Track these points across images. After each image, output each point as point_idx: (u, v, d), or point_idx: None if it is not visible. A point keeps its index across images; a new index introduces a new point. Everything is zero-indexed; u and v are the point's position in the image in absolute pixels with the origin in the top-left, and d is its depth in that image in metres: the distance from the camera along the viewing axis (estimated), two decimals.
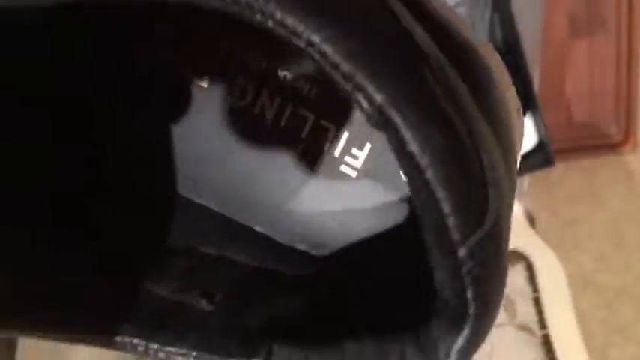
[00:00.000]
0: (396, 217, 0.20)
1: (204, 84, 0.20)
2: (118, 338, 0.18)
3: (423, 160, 0.13)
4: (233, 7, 0.13)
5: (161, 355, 0.18)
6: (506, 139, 0.17)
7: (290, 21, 0.13)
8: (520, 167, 0.64)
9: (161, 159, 0.21)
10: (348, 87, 0.13)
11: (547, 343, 0.71)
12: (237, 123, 0.20)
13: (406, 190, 0.17)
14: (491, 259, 0.14)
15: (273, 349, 0.17)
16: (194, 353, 0.17)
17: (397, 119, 0.13)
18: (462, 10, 0.65)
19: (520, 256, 0.76)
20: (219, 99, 0.20)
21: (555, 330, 0.71)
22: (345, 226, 0.20)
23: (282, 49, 0.18)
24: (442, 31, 0.16)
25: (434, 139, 0.13)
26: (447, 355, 0.15)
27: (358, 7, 0.14)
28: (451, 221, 0.14)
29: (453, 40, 0.16)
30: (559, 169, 0.71)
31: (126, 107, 0.21)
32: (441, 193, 0.13)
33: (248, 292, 0.19)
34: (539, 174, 0.72)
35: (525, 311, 0.73)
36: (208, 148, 0.20)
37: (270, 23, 0.13)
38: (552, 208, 0.85)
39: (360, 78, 0.13)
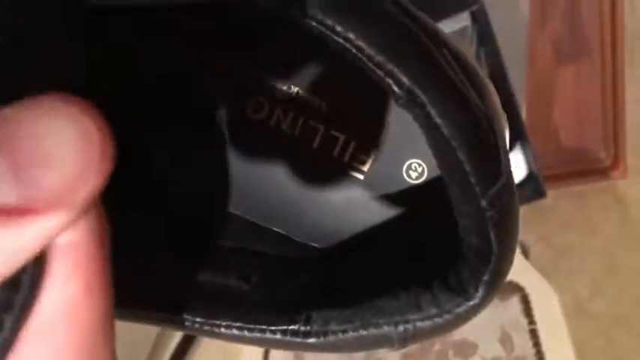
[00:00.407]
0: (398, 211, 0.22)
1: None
2: (182, 316, 0.20)
3: (446, 130, 0.17)
4: (286, 9, 0.16)
5: (216, 330, 0.20)
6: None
7: (330, 22, 0.16)
8: None
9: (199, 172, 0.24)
10: (381, 74, 0.16)
11: None
12: (256, 135, 0.23)
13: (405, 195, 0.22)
14: (507, 206, 0.18)
15: (311, 315, 0.19)
16: (248, 326, 0.20)
17: (423, 98, 0.17)
18: None
19: (515, 288, 0.76)
20: (235, 114, 0.22)
21: None
22: (352, 225, 0.22)
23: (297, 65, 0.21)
24: (453, 49, 0.19)
25: (453, 113, 0.17)
26: (476, 289, 0.18)
27: (386, 12, 0.17)
28: (473, 178, 0.17)
29: (462, 58, 0.19)
30: (550, 196, 0.71)
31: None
32: (463, 156, 0.17)
33: (276, 274, 0.22)
34: (531, 203, 0.72)
35: (522, 344, 0.73)
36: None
37: (314, 24, 0.16)
38: (545, 236, 0.85)
39: (391, 66, 0.16)
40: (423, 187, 0.22)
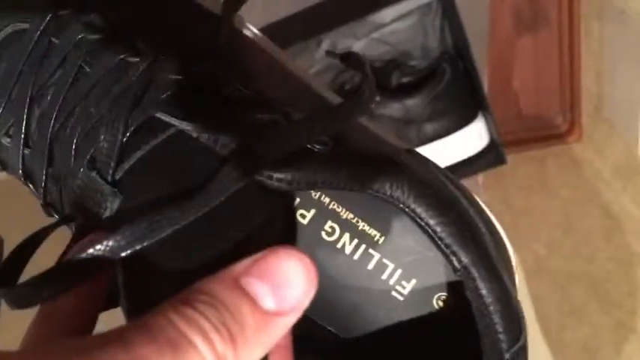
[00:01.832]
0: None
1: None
2: None
3: (489, 300, 0.23)
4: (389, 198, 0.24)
5: None
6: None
7: (419, 210, 0.24)
8: (474, 166, 0.68)
9: None
10: (446, 250, 0.24)
11: None
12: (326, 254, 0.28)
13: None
14: (522, 357, 0.24)
15: None
16: None
17: (476, 275, 0.24)
18: (412, 19, 0.67)
19: None
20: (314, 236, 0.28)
21: None
22: (384, 328, 0.28)
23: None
24: (485, 215, 0.27)
25: (495, 290, 0.24)
26: None
27: (458, 203, 0.25)
28: (502, 337, 0.23)
29: (491, 222, 0.28)
30: (510, 160, 0.74)
31: None
32: (497, 321, 0.23)
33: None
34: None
35: None
36: None
37: (402, 207, 0.24)
38: (505, 199, 0.88)
39: (456, 247, 0.24)
40: (449, 316, 0.27)
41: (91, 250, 0.22)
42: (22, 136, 0.28)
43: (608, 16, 0.77)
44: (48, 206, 0.29)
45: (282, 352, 0.23)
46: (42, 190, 0.28)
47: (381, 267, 0.27)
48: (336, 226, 0.27)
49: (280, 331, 0.20)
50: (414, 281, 0.27)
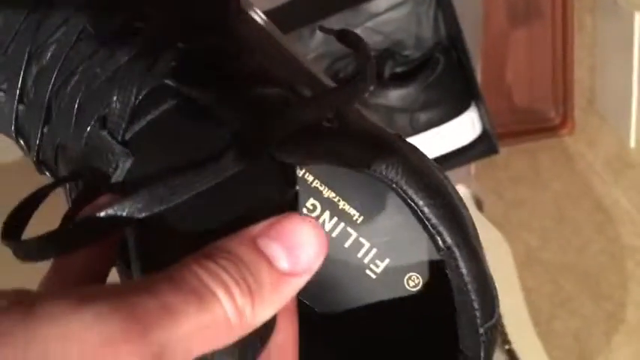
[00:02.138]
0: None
1: None
2: None
3: (468, 279, 0.25)
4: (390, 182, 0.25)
5: None
6: None
7: (410, 192, 0.25)
8: (467, 155, 0.68)
9: None
10: (433, 231, 0.25)
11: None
12: None
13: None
14: (494, 335, 0.26)
15: None
16: None
17: (458, 255, 0.25)
18: (406, 9, 0.68)
19: None
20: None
21: (504, 306, 0.75)
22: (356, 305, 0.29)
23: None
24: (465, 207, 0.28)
25: (474, 269, 0.25)
26: None
27: (444, 188, 0.26)
28: (478, 314, 0.25)
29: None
30: (503, 152, 0.74)
31: None
32: (474, 298, 0.25)
33: None
34: (485, 159, 0.75)
35: None
36: None
37: (395, 187, 0.25)
38: (498, 190, 0.88)
39: (442, 229, 0.25)
40: (417, 296, 0.28)
41: (107, 211, 0.22)
42: (18, 91, 0.28)
43: (601, 9, 0.77)
44: (41, 164, 0.29)
45: (288, 314, 0.24)
46: (36, 148, 0.28)
47: (357, 245, 0.28)
48: (317, 203, 0.27)
49: (292, 291, 0.21)
50: (387, 260, 0.28)
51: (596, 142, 0.83)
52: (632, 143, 0.75)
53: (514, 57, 0.85)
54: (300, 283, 0.22)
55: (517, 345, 0.73)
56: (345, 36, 0.30)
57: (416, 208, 0.25)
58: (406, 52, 0.69)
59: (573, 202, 0.85)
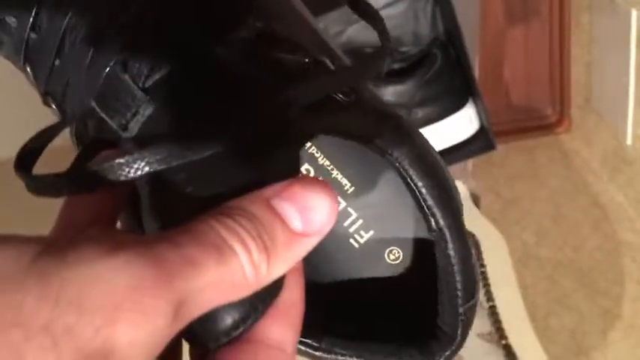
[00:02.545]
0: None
1: None
2: None
3: (454, 261, 0.25)
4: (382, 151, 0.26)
5: None
6: None
7: (410, 171, 0.26)
8: (465, 151, 0.69)
9: None
10: (427, 212, 0.25)
11: (494, 314, 0.75)
12: None
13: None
14: (472, 315, 0.27)
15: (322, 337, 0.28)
16: None
17: (448, 237, 0.25)
18: (404, 5, 0.68)
19: (467, 235, 0.80)
20: None
21: (501, 302, 0.75)
22: (341, 274, 0.30)
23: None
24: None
25: (461, 251, 0.26)
26: (440, 357, 0.27)
27: (442, 171, 0.27)
28: (459, 294, 0.26)
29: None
30: (500, 150, 0.75)
31: None
32: (459, 279, 0.26)
33: None
34: (482, 156, 0.75)
35: None
36: None
37: (398, 166, 0.26)
38: (495, 188, 0.89)
39: (436, 211, 0.25)
40: (397, 268, 0.29)
41: (126, 159, 0.23)
42: (31, 19, 0.28)
43: (598, 6, 0.78)
44: (47, 95, 0.29)
45: (295, 273, 0.25)
46: (45, 79, 0.28)
47: (345, 214, 0.28)
48: (311, 169, 0.28)
49: (304, 251, 0.22)
50: (371, 232, 0.29)
51: (593, 140, 0.83)
52: (629, 140, 0.76)
53: (511, 55, 0.86)
54: (311, 243, 0.22)
55: (514, 341, 0.73)
56: (357, 4, 0.31)
57: (415, 187, 0.26)
58: (404, 49, 0.69)
59: (570, 199, 0.85)
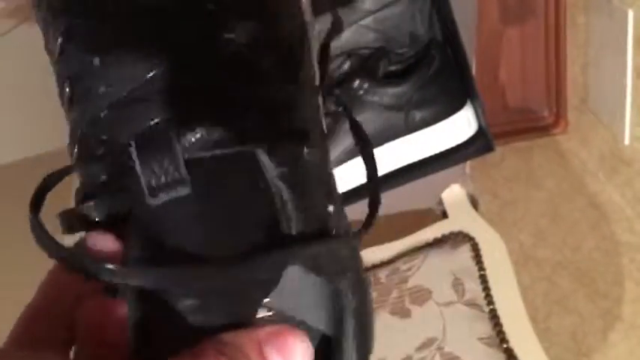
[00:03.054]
0: None
1: None
2: None
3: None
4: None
5: None
6: None
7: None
8: (463, 153, 0.68)
9: None
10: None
11: (494, 317, 0.74)
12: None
13: None
14: None
15: None
16: None
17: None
18: (401, 6, 0.67)
19: (466, 237, 0.80)
20: None
21: (501, 305, 0.75)
22: None
23: None
24: None
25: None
26: None
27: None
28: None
29: None
30: (497, 152, 0.74)
31: None
32: None
33: None
34: (479, 158, 0.75)
35: (473, 289, 0.77)
36: None
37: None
38: (493, 190, 0.88)
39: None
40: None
41: (118, 268, 0.24)
42: None
43: (594, 7, 0.78)
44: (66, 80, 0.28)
45: None
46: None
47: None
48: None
49: None
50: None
51: (590, 140, 0.83)
52: (627, 140, 0.75)
53: (507, 56, 0.86)
54: None
55: (515, 343, 0.72)
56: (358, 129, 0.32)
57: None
58: (401, 50, 0.69)
59: (567, 200, 0.85)
